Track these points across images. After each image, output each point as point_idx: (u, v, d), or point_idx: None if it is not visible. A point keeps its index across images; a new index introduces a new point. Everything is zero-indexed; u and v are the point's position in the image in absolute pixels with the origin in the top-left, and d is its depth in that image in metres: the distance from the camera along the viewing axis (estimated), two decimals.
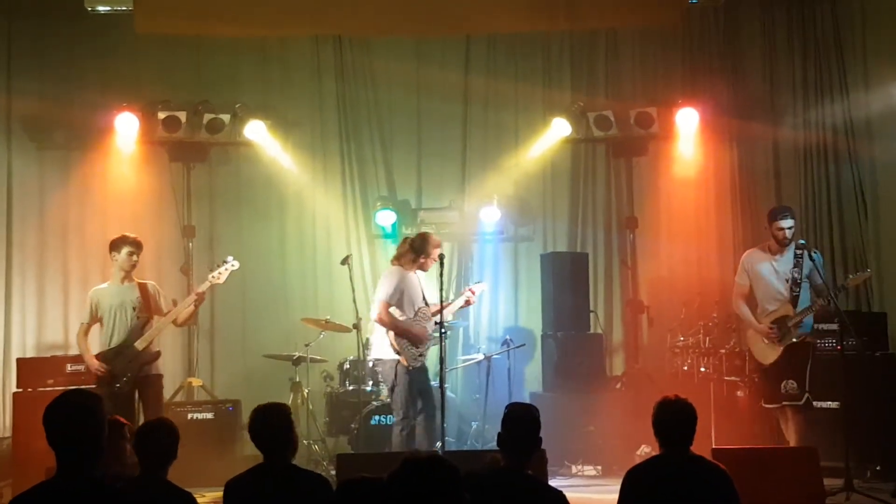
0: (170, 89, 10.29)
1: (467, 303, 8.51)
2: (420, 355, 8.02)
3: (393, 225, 10.46)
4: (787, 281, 7.81)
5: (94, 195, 10.30)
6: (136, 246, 8.02)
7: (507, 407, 4.87)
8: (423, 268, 8.21)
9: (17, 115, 10.20)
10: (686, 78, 10.84)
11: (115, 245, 8.01)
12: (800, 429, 7.66)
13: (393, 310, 7.95)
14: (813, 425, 7.84)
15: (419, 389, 8.02)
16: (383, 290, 8.05)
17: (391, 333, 7.95)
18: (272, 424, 4.78)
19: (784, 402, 7.73)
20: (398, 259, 8.23)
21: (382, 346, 8.05)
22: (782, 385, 7.72)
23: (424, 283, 8.31)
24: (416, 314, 8.07)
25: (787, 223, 7.87)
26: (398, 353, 7.91)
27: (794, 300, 7.76)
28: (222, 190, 10.53)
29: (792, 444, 7.65)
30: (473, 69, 10.79)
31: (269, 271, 10.43)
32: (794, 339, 7.74)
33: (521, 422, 4.70)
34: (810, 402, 7.66)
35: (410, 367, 7.92)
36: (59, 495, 3.55)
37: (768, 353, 7.86)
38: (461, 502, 3.19)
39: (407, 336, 7.95)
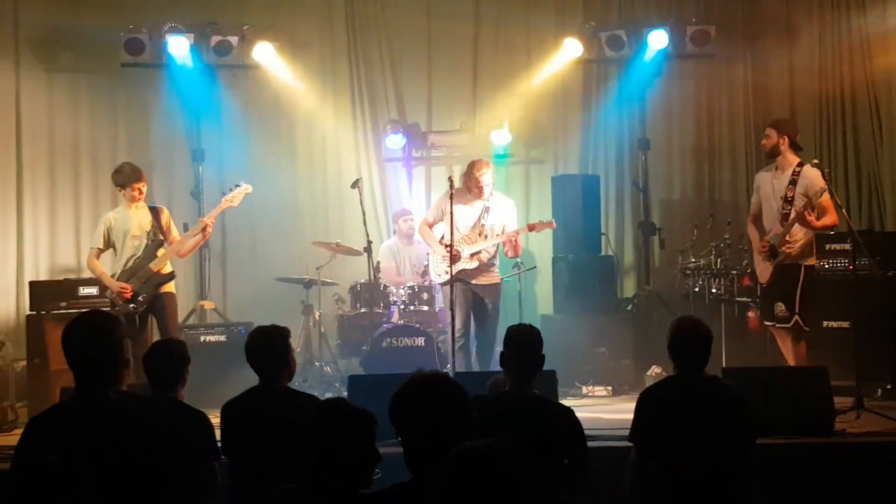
0: (177, 10, 10.16)
1: (510, 244, 8.17)
2: (445, 272, 8.02)
3: (402, 148, 10.43)
4: (781, 199, 7.62)
5: (103, 118, 10.28)
6: (140, 180, 7.99)
7: (508, 328, 4.89)
8: (470, 192, 8.22)
9: (25, 37, 10.11)
10: None
11: (119, 182, 7.99)
12: (794, 351, 7.60)
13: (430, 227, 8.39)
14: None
15: (467, 307, 8.26)
16: (431, 207, 8.40)
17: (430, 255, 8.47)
18: (267, 347, 4.81)
19: (776, 325, 7.69)
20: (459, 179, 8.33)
21: None
22: (774, 307, 7.66)
23: (496, 212, 8.30)
24: (461, 238, 8.14)
25: (765, 132, 7.83)
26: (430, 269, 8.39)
27: (784, 217, 7.55)
28: (231, 113, 10.44)
29: (790, 364, 7.62)
30: None
31: (279, 195, 10.36)
32: (781, 259, 7.57)
33: (523, 342, 4.73)
34: (800, 325, 7.54)
35: (437, 284, 8.37)
36: (79, 414, 3.59)
37: (764, 272, 7.77)
38: (467, 420, 3.19)
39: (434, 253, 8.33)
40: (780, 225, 7.59)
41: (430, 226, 8.44)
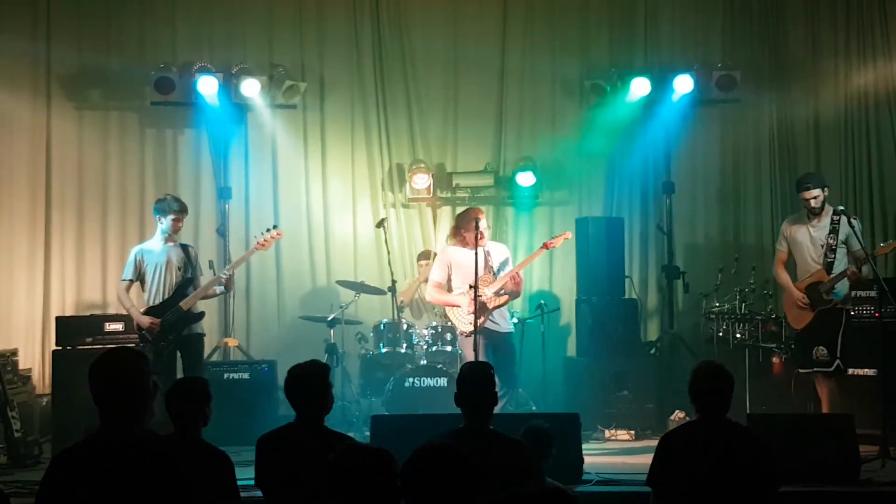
0: (207, 49, 10.31)
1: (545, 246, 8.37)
2: (471, 323, 7.81)
3: (427, 188, 10.46)
4: (822, 247, 7.83)
5: (132, 155, 10.34)
6: (182, 212, 8.09)
7: (461, 367, 5.11)
8: (465, 242, 8.00)
9: (56, 74, 10.22)
10: (726, 42, 10.72)
11: (161, 209, 8.07)
12: (830, 395, 7.65)
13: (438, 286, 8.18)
14: (849, 392, 7.81)
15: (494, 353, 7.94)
16: (432, 271, 8.30)
17: (447, 310, 8.29)
18: (308, 383, 4.81)
19: (815, 369, 7.72)
20: (448, 238, 8.37)
21: None
22: (813, 351, 7.73)
23: (497, 255, 8.23)
24: (471, 288, 7.85)
25: (812, 193, 7.93)
26: (454, 323, 8.17)
27: (828, 266, 7.78)
28: (258, 151, 10.52)
29: (823, 410, 7.64)
30: (511, 31, 10.69)
31: (304, 233, 10.45)
32: (826, 306, 7.73)
33: (474, 380, 4.81)
34: (841, 369, 7.61)
35: (465, 333, 7.95)
36: (103, 450, 3.59)
37: (801, 318, 7.89)
38: (472, 488, 3.21)
39: (455, 307, 8.09)
40: (824, 272, 7.76)
41: (439, 286, 8.20)
